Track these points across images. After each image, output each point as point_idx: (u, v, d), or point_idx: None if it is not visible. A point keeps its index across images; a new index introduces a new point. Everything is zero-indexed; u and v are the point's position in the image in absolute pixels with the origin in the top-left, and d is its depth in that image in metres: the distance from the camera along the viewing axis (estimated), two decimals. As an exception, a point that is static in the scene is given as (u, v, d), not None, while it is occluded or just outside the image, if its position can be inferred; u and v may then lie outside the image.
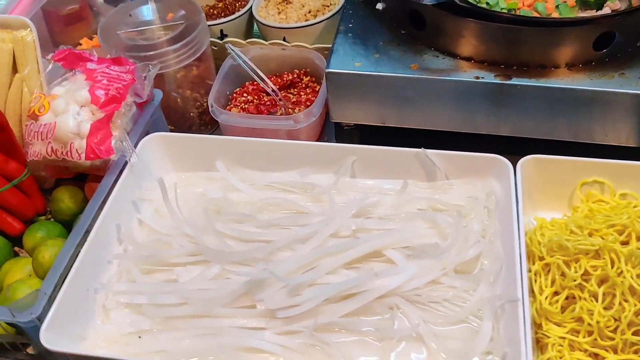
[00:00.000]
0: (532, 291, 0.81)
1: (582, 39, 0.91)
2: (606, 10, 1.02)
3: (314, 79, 1.18)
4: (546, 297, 0.80)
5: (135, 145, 0.96)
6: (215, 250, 0.86)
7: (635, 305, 0.75)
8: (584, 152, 0.92)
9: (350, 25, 1.04)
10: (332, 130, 1.11)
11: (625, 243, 0.81)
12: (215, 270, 0.85)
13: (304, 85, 1.17)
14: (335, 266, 0.83)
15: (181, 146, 1.00)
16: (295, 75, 1.18)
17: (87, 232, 0.86)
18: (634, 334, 0.75)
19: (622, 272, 0.77)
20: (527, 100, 0.93)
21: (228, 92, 1.16)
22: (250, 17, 1.25)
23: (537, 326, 0.80)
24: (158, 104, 1.03)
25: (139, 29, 1.08)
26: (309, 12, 1.23)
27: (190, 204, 0.95)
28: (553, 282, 0.81)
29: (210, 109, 1.08)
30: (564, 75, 0.93)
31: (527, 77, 0.93)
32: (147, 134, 0.99)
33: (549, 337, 0.78)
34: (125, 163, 0.94)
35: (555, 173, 0.91)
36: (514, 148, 0.96)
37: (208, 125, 1.17)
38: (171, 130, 1.11)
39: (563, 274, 0.81)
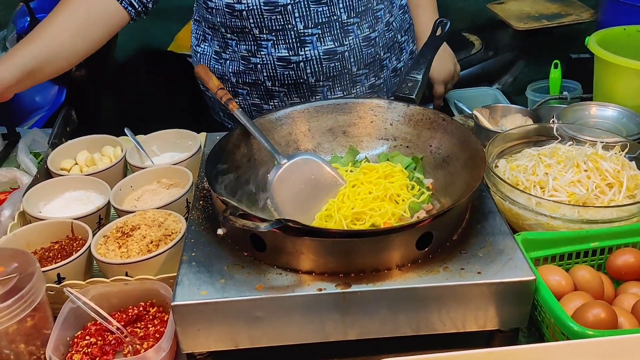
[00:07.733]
0: None
1: (405, 242, 1.01)
2: (422, 213, 1.16)
3: (161, 309, 1.15)
4: None
5: None
6: None
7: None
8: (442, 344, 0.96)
9: (193, 254, 1.06)
10: (185, 360, 1.07)
11: None
12: None
13: (151, 317, 1.14)
14: None
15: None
16: (141, 309, 1.14)
17: None
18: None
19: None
20: (368, 304, 0.99)
21: (68, 338, 1.08)
22: (90, 256, 1.23)
23: None
24: (-13, 367, 0.94)
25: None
26: (151, 242, 1.24)
27: None
28: None
29: (48, 362, 1.00)
30: (397, 276, 1.00)
31: (364, 282, 0.99)
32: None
33: None
34: None
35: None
36: (368, 350, 0.98)
37: (48, 379, 1.07)
38: (4, 392, 1.00)
39: None
